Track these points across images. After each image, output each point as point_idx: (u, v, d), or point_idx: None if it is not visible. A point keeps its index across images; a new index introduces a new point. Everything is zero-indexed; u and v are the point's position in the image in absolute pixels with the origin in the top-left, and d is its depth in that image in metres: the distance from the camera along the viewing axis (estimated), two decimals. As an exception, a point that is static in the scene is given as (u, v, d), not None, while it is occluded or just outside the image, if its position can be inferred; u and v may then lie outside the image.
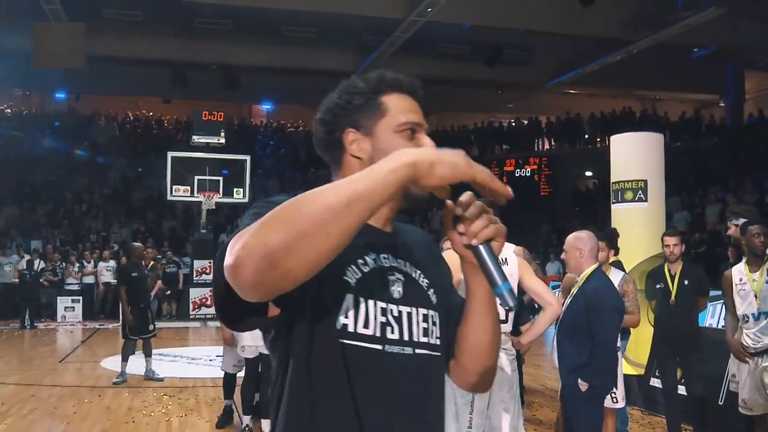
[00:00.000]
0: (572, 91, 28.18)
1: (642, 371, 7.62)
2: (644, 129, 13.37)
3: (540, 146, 27.27)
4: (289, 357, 1.41)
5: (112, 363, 10.42)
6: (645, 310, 6.72)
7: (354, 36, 22.56)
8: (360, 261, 1.45)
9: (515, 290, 4.15)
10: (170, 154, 16.68)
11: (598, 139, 25.61)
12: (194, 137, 17.63)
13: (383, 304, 1.45)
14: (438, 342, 1.52)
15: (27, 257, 17.39)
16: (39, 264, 17.36)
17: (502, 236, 1.41)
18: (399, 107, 1.51)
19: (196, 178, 16.47)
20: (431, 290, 1.56)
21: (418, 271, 1.55)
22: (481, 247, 1.39)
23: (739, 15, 18.48)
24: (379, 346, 1.43)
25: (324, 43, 22.79)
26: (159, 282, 10.64)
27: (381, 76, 1.54)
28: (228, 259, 1.15)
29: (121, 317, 10.07)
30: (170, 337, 11.14)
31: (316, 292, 1.35)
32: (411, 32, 19.76)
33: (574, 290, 4.59)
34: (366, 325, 1.42)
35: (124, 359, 9.19)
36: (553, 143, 27.18)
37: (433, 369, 1.51)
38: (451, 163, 1.25)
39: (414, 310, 1.50)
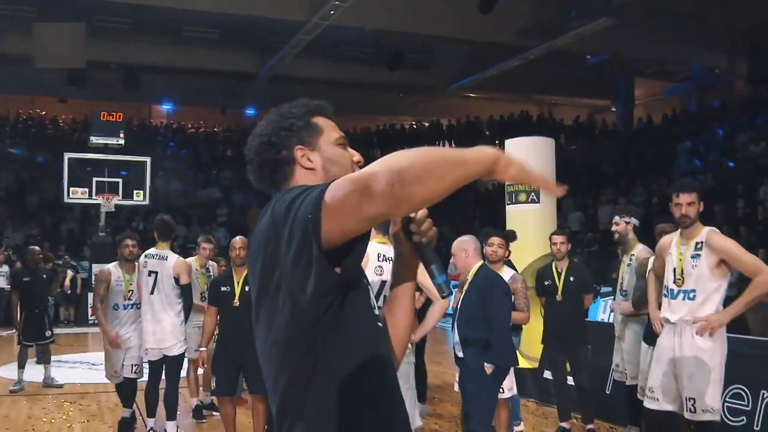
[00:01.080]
0: (472, 95, 28.86)
1: (536, 365, 7.97)
2: (541, 132, 13.90)
3: (441, 148, 27.80)
4: (327, 334, 1.54)
5: (7, 371, 10.13)
6: (537, 307, 7.07)
7: (257, 37, 22.53)
8: None
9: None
10: (67, 155, 16.24)
11: (497, 142, 26.31)
12: (92, 138, 17.19)
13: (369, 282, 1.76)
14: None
15: None
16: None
17: (435, 240, 1.71)
18: (329, 126, 1.80)
19: (95, 179, 16.09)
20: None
21: None
22: (426, 247, 1.68)
23: (630, 26, 19.41)
24: (380, 324, 1.75)
25: (227, 44, 22.67)
26: (67, 282, 10.40)
27: (307, 102, 1.83)
28: (364, 174, 1.37)
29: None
30: (69, 343, 10.91)
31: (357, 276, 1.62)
32: (314, 35, 19.88)
33: (465, 286, 5.00)
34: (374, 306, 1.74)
35: (21, 366, 8.96)
36: (453, 146, 27.75)
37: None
38: (522, 166, 1.49)
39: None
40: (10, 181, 23.84)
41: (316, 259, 1.43)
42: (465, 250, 5.03)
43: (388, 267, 4.41)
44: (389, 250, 4.48)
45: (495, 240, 5.87)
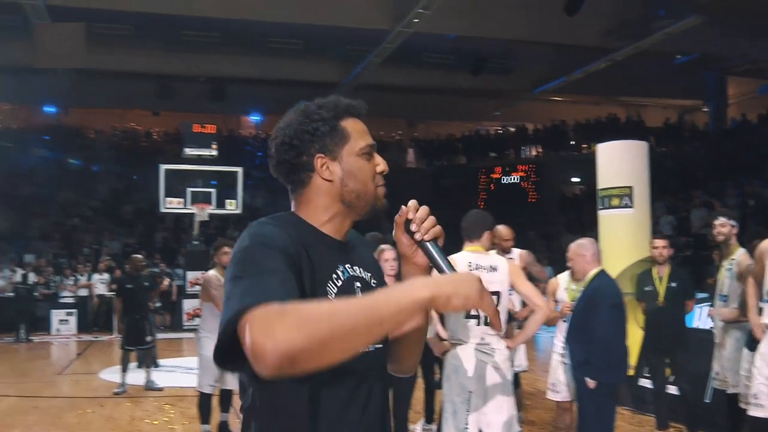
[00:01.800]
0: (557, 99, 28.49)
1: (632, 372, 7.83)
2: (629, 135, 13.63)
3: (527, 153, 27.54)
4: None
5: (110, 374, 10.55)
6: (633, 313, 6.94)
7: (340, 47, 22.79)
8: (335, 275, 1.64)
9: (507, 293, 4.38)
10: (163, 167, 16.78)
11: (584, 146, 25.93)
12: (186, 149, 17.75)
13: None
14: None
15: (20, 271, 17.43)
16: (32, 277, 17.44)
17: (442, 237, 1.66)
18: (357, 131, 1.71)
19: (189, 190, 16.58)
20: (377, 289, 1.76)
21: (369, 273, 1.77)
22: (430, 244, 1.64)
23: (720, 23, 18.81)
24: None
25: (310, 54, 22.99)
26: (164, 287, 10.76)
27: (337, 102, 1.74)
28: (257, 344, 1.25)
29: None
30: (165, 348, 11.27)
31: None
32: (397, 43, 19.97)
33: (578, 293, 4.91)
34: None
35: (124, 370, 9.32)
36: (539, 150, 27.46)
37: (384, 360, 1.77)
38: (465, 296, 1.37)
39: None
40: (107, 193, 24.78)
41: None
42: (583, 255, 4.93)
43: (480, 275, 4.40)
44: (482, 258, 4.49)
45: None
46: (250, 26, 20.80)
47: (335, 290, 1.62)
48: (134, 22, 20.99)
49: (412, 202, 1.68)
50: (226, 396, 6.84)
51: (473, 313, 4.37)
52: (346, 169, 1.69)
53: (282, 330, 1.24)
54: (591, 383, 4.63)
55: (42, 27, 18.23)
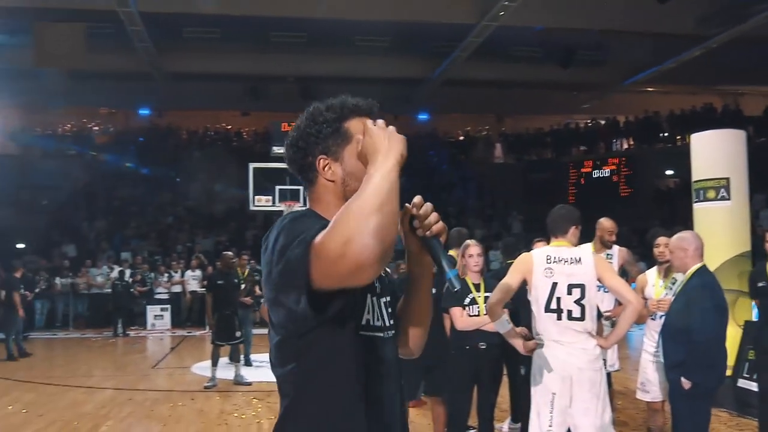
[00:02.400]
0: (649, 89, 27.63)
1: (729, 372, 7.51)
2: (726, 125, 13.07)
3: (619, 146, 26.85)
4: (312, 349, 1.68)
5: (201, 368, 10.80)
6: (732, 311, 6.65)
7: (426, 43, 22.69)
8: None
9: (593, 286, 4.20)
10: (252, 166, 17.06)
11: (678, 137, 25.06)
12: (274, 148, 18.00)
13: (375, 299, 1.79)
14: (393, 323, 1.87)
15: (117, 268, 18.06)
16: (128, 275, 18.05)
17: (445, 233, 1.75)
18: (360, 131, 1.74)
19: (277, 188, 16.81)
20: (387, 279, 1.90)
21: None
22: (433, 240, 1.70)
23: (824, 4, 17.86)
24: (381, 334, 1.78)
25: (397, 51, 22.97)
26: (256, 288, 10.98)
27: (343, 103, 1.84)
28: (337, 249, 1.42)
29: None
30: (256, 344, 11.46)
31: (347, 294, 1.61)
32: (483, 37, 19.74)
33: (676, 288, 4.74)
34: (376, 318, 1.77)
35: (214, 364, 9.52)
36: (631, 143, 26.72)
37: (396, 345, 1.87)
38: (399, 146, 1.60)
39: (385, 299, 1.84)
40: (199, 191, 25.41)
41: (296, 303, 1.56)
42: (685, 249, 4.66)
43: (559, 268, 4.27)
44: (563, 251, 4.35)
45: (662, 240, 5.59)
46: (336, 25, 20.93)
47: None
48: (223, 25, 21.44)
49: (417, 198, 1.74)
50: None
51: (552, 306, 4.23)
52: (348, 170, 1.76)
53: (346, 228, 1.43)
54: (686, 384, 4.42)
55: (42, 27, 18.53)
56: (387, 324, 1.82)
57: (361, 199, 1.46)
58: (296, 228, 1.61)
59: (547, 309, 4.24)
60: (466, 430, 5.56)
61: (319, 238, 1.47)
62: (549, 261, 4.29)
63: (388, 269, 1.95)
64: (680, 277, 5.03)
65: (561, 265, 4.27)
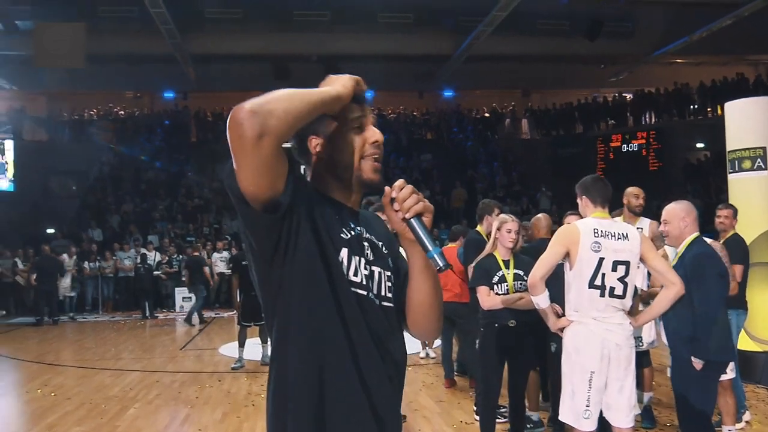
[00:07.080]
0: (679, 61, 27.12)
1: (766, 347, 7.31)
2: (759, 96, 12.73)
3: (648, 120, 26.40)
4: (292, 295, 1.72)
5: (229, 350, 10.79)
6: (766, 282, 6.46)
7: (450, 18, 22.43)
8: (344, 229, 1.82)
9: (636, 265, 4.03)
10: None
11: (709, 109, 24.57)
12: (300, 128, 17.96)
13: (364, 262, 1.83)
14: (391, 296, 1.89)
15: (144, 251, 18.12)
16: (156, 257, 18.10)
17: (430, 212, 1.78)
18: (345, 107, 1.82)
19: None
20: (389, 257, 1.95)
21: (380, 242, 1.94)
22: (413, 221, 1.74)
23: None
24: (364, 292, 1.79)
25: (421, 27, 22.75)
26: None
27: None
28: (239, 116, 1.52)
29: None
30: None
31: (320, 244, 1.73)
32: (508, 11, 19.45)
33: (674, 260, 4.50)
34: (356, 274, 1.78)
35: (241, 345, 9.49)
36: (660, 116, 26.25)
37: (390, 317, 1.87)
38: (344, 86, 1.79)
39: (380, 270, 1.88)
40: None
41: (237, 199, 1.67)
42: (683, 218, 4.48)
43: (607, 243, 4.09)
44: (611, 225, 4.18)
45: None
46: (359, 2, 20.76)
47: (347, 237, 1.81)
48: (245, 5, 21.33)
49: (399, 182, 1.78)
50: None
51: (596, 283, 4.08)
52: (333, 144, 1.84)
53: (253, 101, 1.54)
54: (698, 363, 4.19)
55: (42, 27, 18.59)
56: (383, 294, 1.86)
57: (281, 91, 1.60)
58: None
59: (591, 285, 4.07)
60: (497, 408, 5.44)
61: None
62: (596, 234, 4.11)
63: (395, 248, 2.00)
64: (671, 251, 4.94)
65: (609, 240, 4.09)
